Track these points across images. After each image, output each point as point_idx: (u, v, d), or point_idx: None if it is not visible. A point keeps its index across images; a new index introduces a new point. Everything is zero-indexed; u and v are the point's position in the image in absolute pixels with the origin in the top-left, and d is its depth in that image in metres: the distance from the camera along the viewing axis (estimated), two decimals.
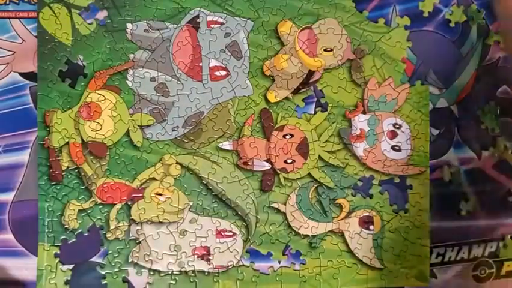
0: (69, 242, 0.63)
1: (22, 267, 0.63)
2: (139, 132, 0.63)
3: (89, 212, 0.63)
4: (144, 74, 0.64)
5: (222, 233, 0.64)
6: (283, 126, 0.64)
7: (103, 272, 0.63)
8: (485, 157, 0.67)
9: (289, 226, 0.64)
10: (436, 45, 0.67)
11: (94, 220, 0.63)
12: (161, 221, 0.63)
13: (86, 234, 0.63)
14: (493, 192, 0.67)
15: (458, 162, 0.67)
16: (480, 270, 0.68)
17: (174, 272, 0.63)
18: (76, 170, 0.63)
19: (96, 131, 0.63)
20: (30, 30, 0.64)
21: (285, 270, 0.64)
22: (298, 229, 0.65)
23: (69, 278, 0.62)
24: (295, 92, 0.65)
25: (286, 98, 0.65)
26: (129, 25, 0.64)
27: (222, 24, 0.64)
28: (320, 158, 0.65)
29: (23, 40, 0.64)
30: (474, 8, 0.67)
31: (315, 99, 0.65)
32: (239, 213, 0.64)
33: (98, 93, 0.63)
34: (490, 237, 0.67)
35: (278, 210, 0.64)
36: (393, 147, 0.65)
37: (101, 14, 0.63)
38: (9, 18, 0.64)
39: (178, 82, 0.64)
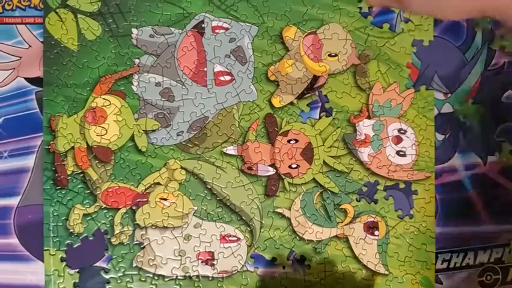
0: (74, 247, 0.63)
1: (27, 272, 0.63)
2: (143, 137, 0.64)
3: (94, 216, 0.63)
4: (149, 79, 0.64)
5: (226, 238, 0.64)
6: (287, 131, 0.64)
7: (108, 277, 0.63)
8: (490, 162, 0.67)
9: (294, 231, 0.64)
10: (441, 50, 0.66)
11: (99, 224, 0.63)
12: (165, 225, 0.63)
13: (91, 238, 0.63)
14: (499, 197, 0.67)
15: (463, 168, 0.67)
16: (486, 276, 0.67)
17: (178, 277, 0.63)
18: (81, 175, 0.63)
19: (101, 135, 0.63)
20: (36, 36, 0.64)
21: (290, 275, 0.64)
22: (303, 234, 0.64)
23: (77, 281, 0.62)
24: (300, 97, 0.65)
25: (291, 103, 0.65)
26: (134, 30, 0.64)
27: (226, 29, 0.64)
28: (325, 163, 0.65)
29: (29, 45, 0.64)
30: None
31: (320, 104, 0.65)
32: (243, 218, 0.64)
33: (104, 98, 0.64)
34: (495, 242, 0.67)
35: (282, 215, 0.64)
36: (398, 153, 0.65)
37: None
38: (16, 24, 0.64)
39: (183, 87, 0.64)
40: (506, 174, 0.67)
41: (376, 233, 0.65)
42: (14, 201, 0.64)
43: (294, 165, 0.64)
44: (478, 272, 0.67)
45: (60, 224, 0.63)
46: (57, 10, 0.63)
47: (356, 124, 0.65)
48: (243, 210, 0.64)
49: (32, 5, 0.64)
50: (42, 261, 0.63)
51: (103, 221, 0.63)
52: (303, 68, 0.65)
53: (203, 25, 0.64)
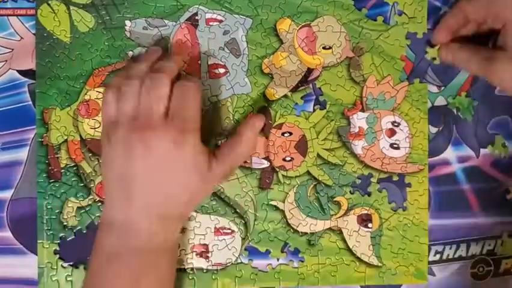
0: (68, 240, 0.63)
1: (20, 265, 0.63)
2: None
3: (88, 209, 0.63)
4: None
5: (221, 231, 0.64)
6: (281, 124, 0.64)
7: None
8: (483, 155, 0.67)
9: (288, 224, 0.65)
10: None
11: (93, 218, 0.63)
12: None
13: (85, 231, 0.63)
14: (491, 190, 0.67)
15: (456, 161, 0.67)
16: (478, 268, 0.68)
17: None
18: (75, 168, 0.63)
19: (95, 128, 0.63)
20: (28, 28, 0.64)
21: (284, 267, 0.65)
22: (297, 227, 0.65)
23: (70, 274, 0.62)
24: (294, 89, 0.65)
25: (285, 96, 0.65)
26: (128, 22, 0.64)
27: (220, 21, 0.64)
28: (319, 155, 0.65)
29: (21, 37, 0.64)
30: None
31: (314, 97, 0.65)
32: (237, 210, 0.64)
33: (97, 91, 0.63)
34: (488, 235, 0.68)
35: (277, 208, 0.65)
36: (391, 145, 0.65)
37: None
38: (7, 15, 0.64)
39: None
40: (498, 166, 0.68)
41: (369, 225, 0.65)
42: (7, 195, 0.63)
43: (288, 158, 0.64)
44: (470, 264, 0.68)
45: (54, 217, 0.63)
46: (49, 2, 0.63)
47: (350, 117, 0.65)
48: (237, 202, 0.64)
49: None
50: (36, 254, 0.63)
51: (97, 214, 0.63)
52: (297, 60, 0.65)
53: (197, 17, 0.64)
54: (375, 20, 0.66)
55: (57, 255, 0.63)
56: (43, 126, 0.63)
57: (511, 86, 0.57)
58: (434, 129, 0.67)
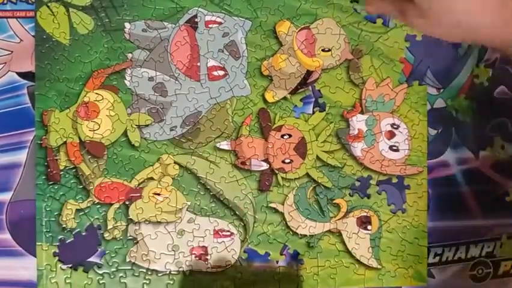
0: (67, 242, 0.63)
1: (19, 267, 0.63)
2: (136, 132, 0.63)
3: (86, 211, 0.63)
4: (142, 73, 0.64)
5: (220, 233, 0.64)
6: (281, 126, 0.64)
7: (101, 272, 0.63)
8: (482, 157, 0.68)
9: (287, 226, 0.64)
10: (434, 45, 0.67)
11: (92, 220, 0.63)
12: (159, 220, 0.63)
13: (84, 233, 0.63)
14: (490, 192, 0.68)
15: (455, 163, 0.67)
16: (477, 270, 0.68)
17: (172, 272, 0.63)
18: (74, 170, 0.63)
19: (94, 130, 0.63)
20: (27, 30, 0.63)
21: (283, 269, 0.64)
22: (296, 229, 0.65)
23: (69, 276, 0.62)
24: (293, 92, 0.65)
25: (284, 98, 0.65)
26: (127, 24, 0.64)
27: (220, 23, 0.64)
28: (318, 158, 0.65)
29: (21, 39, 0.64)
30: None
31: (313, 99, 0.65)
32: (237, 213, 0.64)
33: (96, 93, 0.63)
34: (487, 237, 0.68)
35: (276, 210, 0.65)
36: (391, 147, 0.65)
37: None
38: (7, 17, 0.64)
39: (176, 82, 0.64)
40: (497, 168, 0.68)
41: (369, 227, 0.65)
42: (6, 197, 0.63)
43: (287, 160, 0.64)
44: (469, 266, 0.68)
45: (53, 219, 0.63)
46: (48, 4, 0.63)
47: (349, 119, 0.65)
48: (236, 205, 0.64)
49: None
50: (35, 256, 0.63)
51: (96, 216, 0.63)
52: (297, 62, 0.65)
53: (196, 19, 0.64)
54: (375, 23, 0.66)
55: (56, 258, 0.63)
56: (42, 128, 0.63)
57: (423, 30, 0.59)
58: (433, 132, 0.67)
